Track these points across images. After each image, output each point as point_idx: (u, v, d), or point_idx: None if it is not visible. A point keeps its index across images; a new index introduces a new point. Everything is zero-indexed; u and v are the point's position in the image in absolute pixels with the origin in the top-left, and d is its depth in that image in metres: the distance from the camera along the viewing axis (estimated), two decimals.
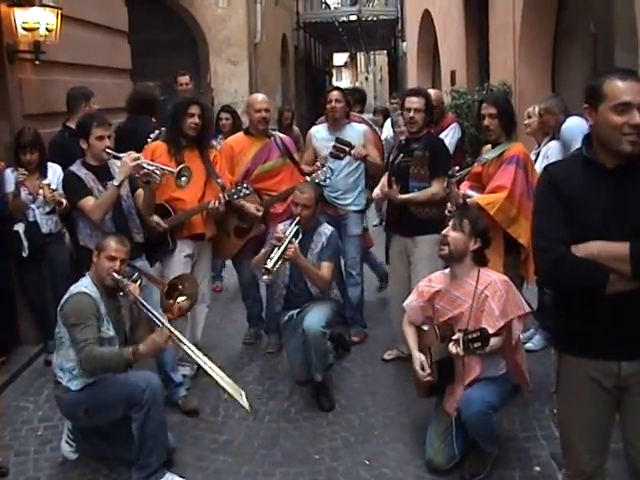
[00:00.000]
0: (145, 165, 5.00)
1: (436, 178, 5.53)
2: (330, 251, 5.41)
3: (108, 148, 5.14)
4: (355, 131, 6.43)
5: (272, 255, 5.07)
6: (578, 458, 3.20)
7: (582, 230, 2.92)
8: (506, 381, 4.37)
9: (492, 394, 4.22)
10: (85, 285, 4.44)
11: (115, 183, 5.01)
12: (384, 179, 5.84)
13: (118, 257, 4.48)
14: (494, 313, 4.16)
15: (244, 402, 4.38)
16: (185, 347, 4.44)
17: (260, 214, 5.92)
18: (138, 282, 4.64)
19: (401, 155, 5.72)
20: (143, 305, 4.48)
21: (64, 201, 5.73)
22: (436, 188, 5.52)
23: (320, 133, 6.58)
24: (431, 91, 7.49)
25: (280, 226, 5.47)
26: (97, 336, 4.27)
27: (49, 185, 5.82)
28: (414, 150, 5.60)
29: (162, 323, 4.40)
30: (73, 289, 4.44)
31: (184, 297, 4.89)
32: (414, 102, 5.62)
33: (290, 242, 5.11)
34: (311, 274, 5.28)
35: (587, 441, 3.16)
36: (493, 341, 3.99)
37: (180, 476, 4.39)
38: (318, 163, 6.21)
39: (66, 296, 4.42)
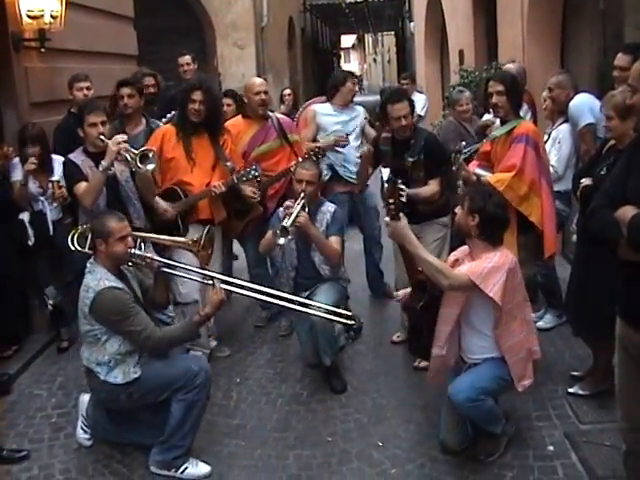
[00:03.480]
0: (123, 151, 4.98)
1: (433, 179, 5.51)
2: (336, 226, 5.43)
3: (102, 134, 5.16)
4: (357, 111, 6.83)
5: (286, 220, 5.05)
6: (631, 411, 3.32)
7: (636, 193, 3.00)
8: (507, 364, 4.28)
9: (483, 379, 4.19)
10: (105, 278, 4.30)
11: (100, 168, 5.04)
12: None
13: (127, 234, 4.44)
14: (465, 265, 4.19)
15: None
16: (241, 289, 4.68)
17: (257, 198, 5.93)
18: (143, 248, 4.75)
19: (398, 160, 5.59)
20: (171, 266, 4.62)
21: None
22: (433, 188, 5.49)
23: (326, 110, 6.78)
24: (510, 65, 7.38)
25: (281, 208, 5.50)
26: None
27: (58, 182, 5.83)
28: (408, 158, 5.49)
29: (202, 273, 4.69)
30: (94, 285, 4.27)
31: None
32: (400, 109, 5.43)
33: (302, 208, 5.12)
34: (322, 244, 5.27)
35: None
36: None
37: (203, 461, 4.42)
38: (330, 140, 6.52)
39: (90, 295, 4.25)
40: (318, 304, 4.92)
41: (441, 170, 5.54)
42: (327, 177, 6.71)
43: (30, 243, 5.90)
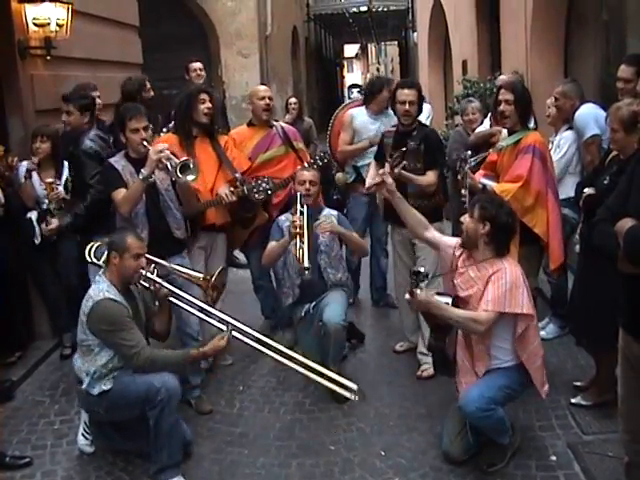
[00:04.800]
0: (164, 160, 4.89)
1: (431, 169, 5.53)
2: (348, 227, 5.57)
3: (144, 140, 5.06)
4: (390, 115, 6.70)
5: (299, 248, 5.07)
6: (632, 423, 3.34)
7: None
8: (515, 373, 4.30)
9: (492, 389, 4.21)
10: (106, 290, 4.34)
11: (141, 177, 4.92)
12: (372, 171, 5.91)
13: (143, 253, 4.46)
14: (486, 297, 4.18)
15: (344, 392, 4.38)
16: (251, 341, 4.55)
17: (261, 198, 5.85)
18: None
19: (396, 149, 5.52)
20: (180, 296, 4.61)
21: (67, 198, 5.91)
22: (431, 178, 5.51)
23: (361, 116, 6.82)
24: (503, 77, 7.42)
25: (282, 217, 5.52)
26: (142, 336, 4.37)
27: (52, 183, 5.85)
28: (409, 144, 5.51)
29: (205, 311, 4.66)
30: (94, 295, 4.34)
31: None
32: (409, 94, 5.56)
33: (315, 220, 5.31)
34: (353, 239, 5.48)
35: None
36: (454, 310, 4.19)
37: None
38: (366, 142, 6.67)
39: (89, 304, 4.31)
40: (325, 370, 4.65)
41: (439, 163, 5.65)
42: (351, 179, 6.85)
43: (37, 242, 5.90)
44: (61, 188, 5.95)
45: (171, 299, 4.67)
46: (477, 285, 4.28)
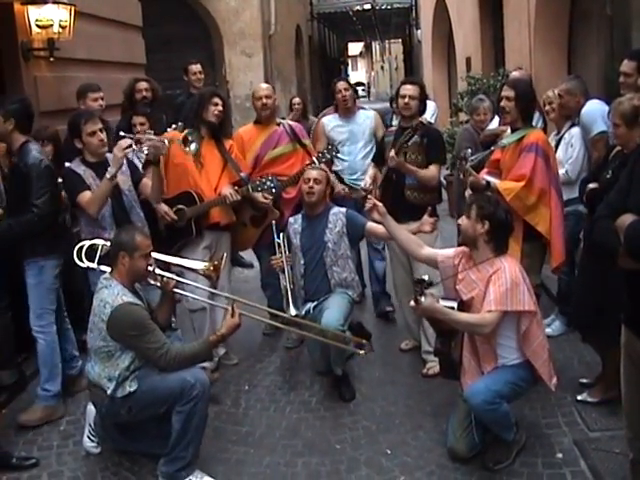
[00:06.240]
0: (130, 154, 5.05)
1: (433, 164, 5.57)
2: (359, 218, 5.55)
3: (102, 141, 5.19)
4: (366, 116, 6.95)
5: (284, 288, 5.36)
6: (633, 420, 3.35)
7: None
8: (521, 370, 4.30)
9: (499, 383, 4.21)
10: (123, 293, 4.27)
11: (108, 176, 5.02)
12: (370, 171, 6.09)
13: (150, 251, 4.45)
14: (488, 297, 4.18)
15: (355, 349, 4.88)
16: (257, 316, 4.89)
17: (268, 202, 5.88)
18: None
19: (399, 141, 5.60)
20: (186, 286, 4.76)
21: None
22: (433, 172, 5.56)
23: (332, 122, 7.00)
24: (515, 73, 7.41)
25: (291, 219, 5.62)
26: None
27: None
28: (411, 137, 5.52)
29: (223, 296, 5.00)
30: (110, 300, 4.23)
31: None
32: (409, 89, 5.65)
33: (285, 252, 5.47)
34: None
35: None
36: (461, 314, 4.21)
37: (210, 475, 4.37)
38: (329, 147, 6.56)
39: (107, 310, 4.21)
40: (333, 329, 4.97)
41: (440, 158, 5.71)
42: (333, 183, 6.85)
43: None
44: None
45: (179, 291, 4.74)
46: (478, 287, 4.29)
